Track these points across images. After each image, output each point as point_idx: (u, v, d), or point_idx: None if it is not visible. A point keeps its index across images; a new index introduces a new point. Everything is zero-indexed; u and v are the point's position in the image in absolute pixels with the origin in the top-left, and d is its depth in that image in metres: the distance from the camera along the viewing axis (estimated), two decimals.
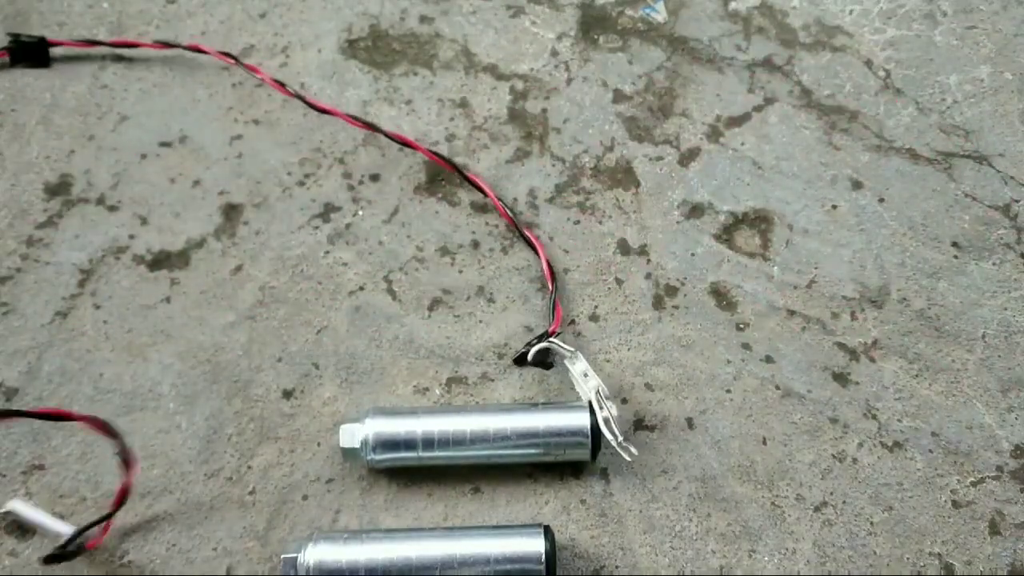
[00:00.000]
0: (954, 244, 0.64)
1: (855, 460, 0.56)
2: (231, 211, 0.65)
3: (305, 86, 0.71)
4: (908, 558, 0.53)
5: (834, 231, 0.65)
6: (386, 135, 0.66)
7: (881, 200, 0.66)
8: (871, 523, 0.54)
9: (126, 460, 0.50)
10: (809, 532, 0.54)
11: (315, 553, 0.49)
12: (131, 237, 0.64)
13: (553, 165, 0.68)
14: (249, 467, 0.55)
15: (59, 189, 0.66)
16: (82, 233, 0.64)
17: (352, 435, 0.53)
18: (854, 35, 0.74)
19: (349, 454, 0.54)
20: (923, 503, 0.55)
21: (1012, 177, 0.67)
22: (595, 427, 0.53)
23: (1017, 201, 0.66)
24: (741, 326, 0.61)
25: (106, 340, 0.59)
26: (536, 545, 0.50)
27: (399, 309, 0.61)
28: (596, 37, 0.75)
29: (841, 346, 0.60)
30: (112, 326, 0.60)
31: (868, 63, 0.73)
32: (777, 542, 0.53)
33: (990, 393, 0.58)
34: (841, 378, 0.59)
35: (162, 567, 0.52)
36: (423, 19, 0.75)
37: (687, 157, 0.68)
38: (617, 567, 0.53)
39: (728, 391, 0.58)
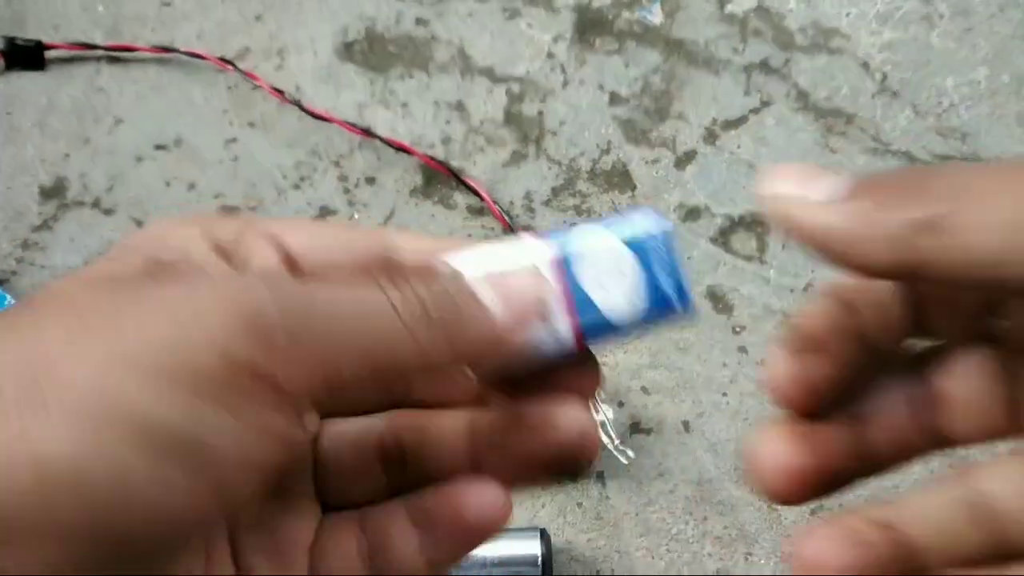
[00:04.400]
0: None
1: None
2: (227, 214, 0.65)
3: (301, 89, 0.71)
4: None
5: None
6: (382, 140, 0.66)
7: None
8: None
9: None
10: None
11: None
12: None
13: (549, 168, 0.68)
14: None
15: (54, 192, 0.65)
16: (77, 236, 0.64)
17: None
18: (851, 37, 0.74)
19: None
20: None
21: None
22: None
23: None
24: (738, 329, 0.61)
25: None
26: (532, 548, 0.50)
27: None
28: (592, 40, 0.75)
29: None
30: None
31: (865, 66, 0.73)
32: (774, 545, 0.53)
33: None
34: None
35: None
36: (419, 21, 0.75)
37: (683, 160, 0.68)
38: (613, 570, 0.53)
39: (725, 394, 0.58)
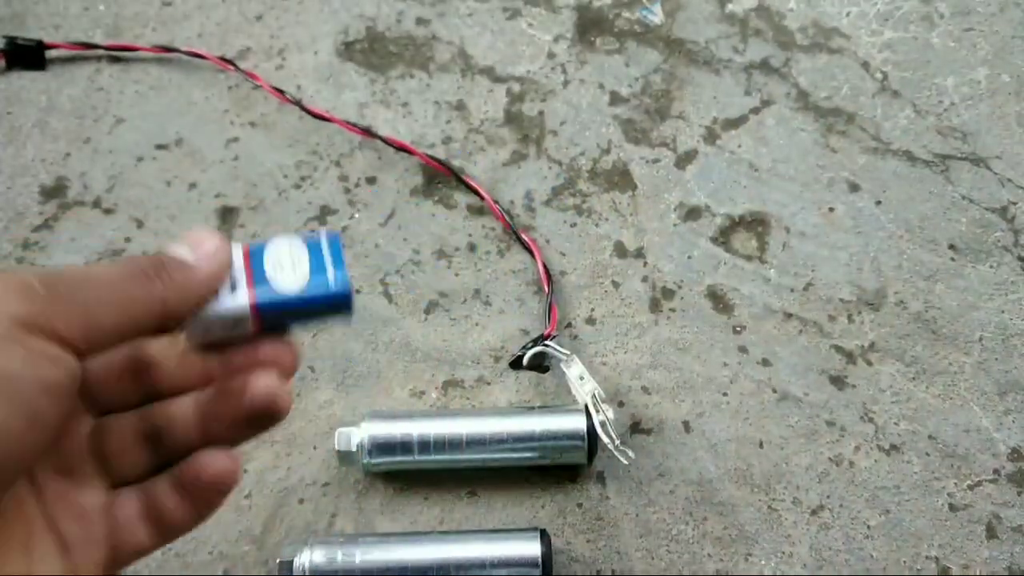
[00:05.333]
0: (951, 246, 0.64)
1: (852, 463, 0.56)
2: (227, 214, 0.65)
3: (301, 89, 0.71)
4: (905, 561, 0.53)
5: (831, 234, 0.65)
6: (383, 140, 0.66)
7: (878, 202, 0.66)
8: (868, 526, 0.54)
9: None
10: (806, 536, 0.54)
11: (311, 557, 0.49)
12: (127, 240, 0.64)
13: (550, 168, 0.68)
14: (245, 471, 0.55)
15: (55, 192, 0.65)
16: (78, 236, 0.64)
17: (348, 439, 0.53)
18: (851, 37, 0.74)
19: (345, 458, 0.54)
20: (920, 506, 0.55)
21: (1009, 179, 0.67)
22: (591, 430, 0.53)
23: (1014, 203, 0.66)
24: (738, 329, 0.61)
25: None
26: (532, 549, 0.50)
27: (395, 312, 0.61)
28: (593, 39, 0.75)
29: (838, 349, 0.60)
30: None
31: (865, 65, 0.73)
32: (774, 546, 0.53)
33: (987, 396, 0.58)
34: (838, 381, 0.59)
35: (158, 570, 0.52)
36: (419, 21, 0.75)
37: (684, 159, 0.68)
38: (613, 571, 0.53)
39: (725, 394, 0.58)
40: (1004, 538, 0.53)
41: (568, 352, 0.57)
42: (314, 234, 0.35)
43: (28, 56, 0.71)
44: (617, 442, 0.53)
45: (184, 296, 0.30)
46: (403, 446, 0.53)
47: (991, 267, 0.63)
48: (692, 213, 0.66)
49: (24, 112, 0.69)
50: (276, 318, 0.32)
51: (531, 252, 0.63)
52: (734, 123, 0.70)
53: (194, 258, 0.31)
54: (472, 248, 0.64)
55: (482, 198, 0.65)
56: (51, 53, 0.71)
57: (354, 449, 0.53)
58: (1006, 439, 0.57)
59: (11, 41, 0.70)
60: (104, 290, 0.28)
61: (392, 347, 0.60)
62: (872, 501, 0.55)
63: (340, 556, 0.49)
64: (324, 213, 0.65)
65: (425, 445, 0.53)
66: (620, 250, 0.64)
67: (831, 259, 0.64)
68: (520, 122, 0.70)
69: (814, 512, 0.54)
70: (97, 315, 0.27)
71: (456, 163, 0.67)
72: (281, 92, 0.68)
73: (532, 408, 0.56)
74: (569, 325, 0.61)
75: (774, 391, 0.59)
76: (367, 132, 0.67)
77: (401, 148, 0.66)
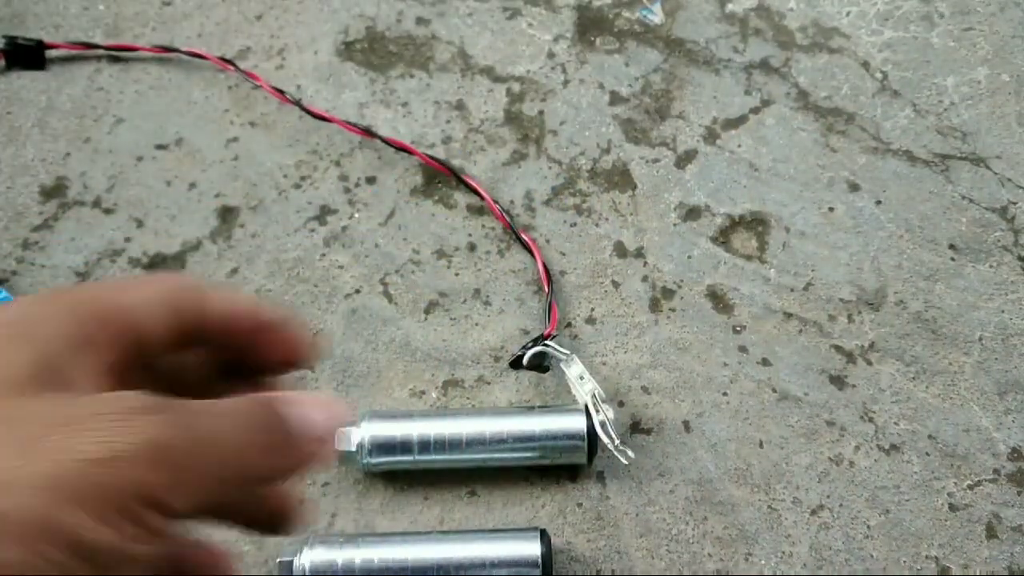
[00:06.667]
0: (951, 246, 0.64)
1: (852, 463, 0.56)
2: (227, 214, 0.65)
3: (301, 88, 0.71)
4: (905, 561, 0.53)
5: (831, 233, 0.65)
6: (383, 140, 0.66)
7: (878, 202, 0.66)
8: (868, 526, 0.54)
9: None
10: (806, 535, 0.54)
11: (311, 557, 0.49)
12: (127, 240, 0.64)
13: (550, 167, 0.68)
14: None
15: (55, 192, 0.65)
16: (78, 236, 0.64)
17: (348, 439, 0.53)
18: (851, 37, 0.74)
19: (345, 458, 0.54)
20: (920, 506, 0.55)
21: (1009, 179, 0.67)
22: (591, 430, 0.53)
23: (1014, 203, 0.66)
24: (738, 329, 0.61)
25: None
26: (532, 549, 0.50)
27: (395, 312, 0.61)
28: (593, 39, 0.75)
29: (838, 349, 0.60)
30: None
31: (865, 65, 0.73)
32: (774, 545, 0.53)
33: (987, 396, 0.58)
34: (838, 381, 0.59)
35: None
36: (419, 21, 0.75)
37: (684, 159, 0.68)
38: (613, 570, 0.53)
39: (725, 394, 0.58)
40: (1004, 538, 0.53)
41: (568, 352, 0.57)
42: None
43: (28, 56, 0.71)
44: (617, 442, 0.53)
45: (294, 468, 0.27)
46: (403, 446, 0.53)
47: (991, 267, 0.63)
48: (692, 213, 0.66)
49: (24, 112, 0.69)
50: None
51: (531, 252, 0.63)
52: (734, 123, 0.70)
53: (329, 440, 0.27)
54: (472, 248, 0.64)
55: (482, 198, 0.65)
56: (51, 53, 0.72)
57: (354, 449, 0.53)
58: (1006, 439, 0.57)
59: (11, 41, 0.70)
60: (228, 464, 0.25)
61: (392, 347, 0.60)
62: (872, 501, 0.55)
63: (340, 556, 0.49)
64: (324, 213, 0.65)
65: (425, 445, 0.53)
66: (620, 250, 0.64)
67: (831, 259, 0.64)
68: (520, 122, 0.70)
69: (814, 512, 0.54)
70: (210, 492, 0.25)
71: (456, 163, 0.67)
72: (281, 92, 0.68)
73: (532, 408, 0.56)
74: (569, 325, 0.61)
75: (774, 391, 0.59)
76: (367, 132, 0.67)
77: (401, 148, 0.66)
